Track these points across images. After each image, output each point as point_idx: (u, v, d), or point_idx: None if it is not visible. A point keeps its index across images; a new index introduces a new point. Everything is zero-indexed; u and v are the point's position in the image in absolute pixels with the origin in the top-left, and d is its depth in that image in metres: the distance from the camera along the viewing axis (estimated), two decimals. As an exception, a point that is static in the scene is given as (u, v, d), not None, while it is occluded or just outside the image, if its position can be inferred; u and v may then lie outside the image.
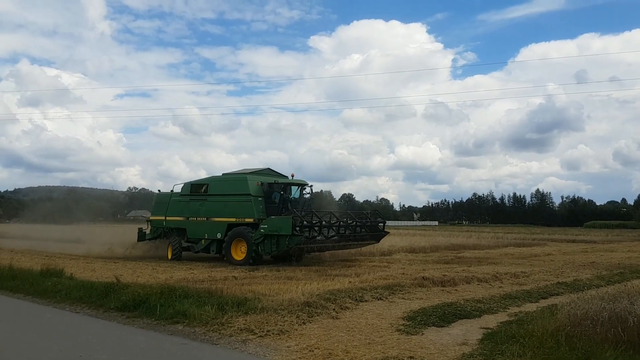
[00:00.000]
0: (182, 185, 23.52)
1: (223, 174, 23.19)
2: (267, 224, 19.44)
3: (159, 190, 25.53)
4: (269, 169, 23.55)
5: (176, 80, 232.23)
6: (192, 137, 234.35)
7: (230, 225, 20.83)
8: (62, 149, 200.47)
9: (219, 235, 21.14)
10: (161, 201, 24.05)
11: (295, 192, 22.03)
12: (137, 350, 7.51)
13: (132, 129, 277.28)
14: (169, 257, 22.26)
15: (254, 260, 19.50)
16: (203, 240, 21.80)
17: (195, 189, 22.84)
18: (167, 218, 23.16)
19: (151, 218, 24.59)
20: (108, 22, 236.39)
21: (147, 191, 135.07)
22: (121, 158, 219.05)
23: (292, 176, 22.52)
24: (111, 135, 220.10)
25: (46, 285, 12.38)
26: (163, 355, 7.32)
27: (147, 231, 24.68)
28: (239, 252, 20.16)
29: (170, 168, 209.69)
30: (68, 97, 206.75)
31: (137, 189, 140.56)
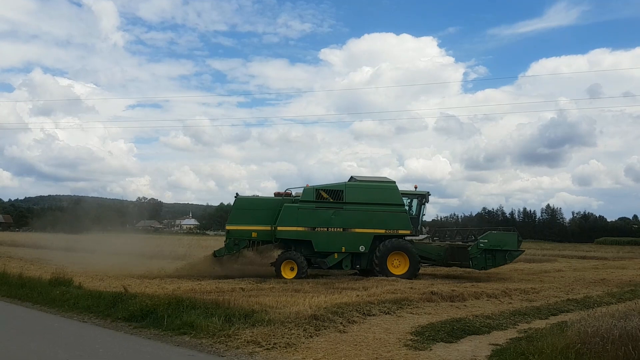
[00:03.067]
0: (302, 190, 20.78)
1: (353, 181, 21.54)
2: (487, 239, 19.84)
3: (237, 194, 21.38)
4: (384, 177, 22.60)
5: (187, 91, 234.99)
6: (203, 148, 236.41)
7: (376, 238, 20.07)
8: (73, 159, 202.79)
9: (362, 249, 19.95)
10: (247, 207, 20.81)
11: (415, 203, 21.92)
12: (144, 361, 7.49)
13: (143, 139, 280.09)
14: (287, 275, 19.24)
15: (414, 273, 19.77)
16: (336, 254, 19.95)
17: (321, 195, 20.47)
18: (279, 228, 19.95)
19: (231, 228, 20.65)
20: (121, 33, 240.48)
21: (156, 201, 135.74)
22: (131, 168, 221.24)
23: (416, 187, 22.35)
24: (122, 145, 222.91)
25: (54, 294, 12.44)
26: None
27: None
28: (391, 266, 19.80)
29: (180, 178, 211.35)
30: (80, 107, 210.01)
31: (146, 199, 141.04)
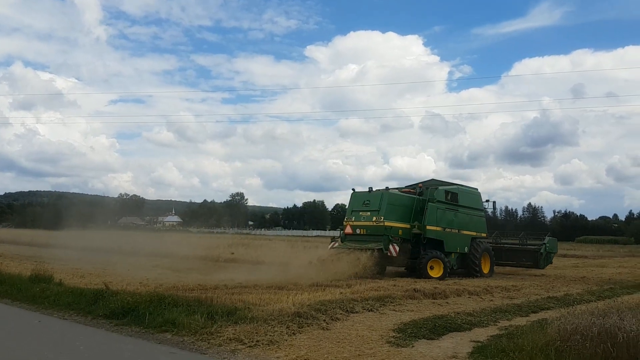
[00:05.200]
0: (436, 190, 20.84)
1: (434, 183, 22.31)
2: (549, 243, 23.38)
3: (371, 189, 20.54)
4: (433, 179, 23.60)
5: (171, 86, 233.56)
6: (186, 144, 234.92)
7: (472, 240, 21.45)
8: (54, 154, 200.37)
9: (466, 249, 21.12)
10: (395, 204, 19.95)
11: None
12: (125, 358, 7.43)
13: (125, 134, 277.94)
14: (434, 274, 18.94)
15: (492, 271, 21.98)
16: (453, 254, 20.67)
17: (448, 196, 21.06)
18: (428, 227, 19.85)
19: (390, 224, 19.36)
20: (104, 27, 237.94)
21: (138, 198, 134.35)
22: (113, 164, 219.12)
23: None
24: (104, 141, 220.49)
25: (35, 291, 12.26)
26: (151, 364, 7.25)
27: (337, 244, 20.39)
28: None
29: (163, 175, 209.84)
30: (61, 102, 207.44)
31: (128, 195, 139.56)
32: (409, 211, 20.12)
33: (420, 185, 21.65)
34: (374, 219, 19.39)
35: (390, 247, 18.62)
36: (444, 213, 20.54)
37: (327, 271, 17.39)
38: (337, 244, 20.30)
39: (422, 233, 19.78)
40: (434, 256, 19.37)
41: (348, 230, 20.18)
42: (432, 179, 23.28)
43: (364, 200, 20.16)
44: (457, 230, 20.87)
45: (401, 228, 19.64)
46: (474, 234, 21.61)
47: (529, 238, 26.40)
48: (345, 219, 20.77)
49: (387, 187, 20.95)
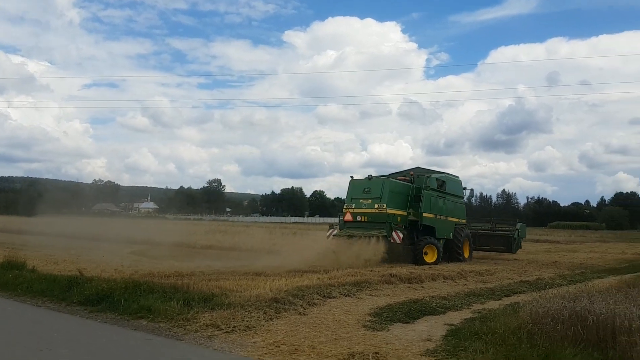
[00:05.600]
0: (429, 178, 21.05)
1: (419, 171, 22.63)
2: (520, 229, 25.03)
3: (370, 176, 20.95)
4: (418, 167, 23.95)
5: (145, 71, 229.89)
6: (162, 130, 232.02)
7: (455, 226, 21.91)
8: (27, 139, 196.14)
9: (451, 235, 21.49)
10: (395, 191, 20.23)
11: None
12: (99, 344, 7.36)
13: (99, 119, 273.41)
14: (428, 260, 19.36)
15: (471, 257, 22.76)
16: (441, 240, 20.88)
17: (439, 184, 21.48)
18: (425, 214, 20.20)
19: (392, 211, 19.68)
20: (77, 10, 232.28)
21: (112, 184, 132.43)
22: (87, 149, 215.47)
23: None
24: (77, 126, 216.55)
25: (7, 278, 12.03)
26: (125, 350, 7.19)
27: (335, 231, 20.52)
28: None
29: (138, 160, 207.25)
30: (34, 86, 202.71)
31: (102, 181, 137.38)
32: (405, 199, 20.49)
33: (412, 173, 21.91)
34: (376, 206, 19.62)
35: (394, 234, 18.87)
36: (436, 200, 21.07)
37: (340, 259, 17.60)
38: (336, 231, 20.38)
39: (419, 220, 20.10)
40: (428, 242, 19.76)
41: (348, 217, 20.29)
42: (418, 167, 23.68)
43: (364, 187, 20.32)
44: (445, 217, 21.39)
45: (400, 215, 19.93)
46: (457, 220, 22.24)
47: (500, 224, 28.07)
48: (345, 206, 20.85)
49: (387, 176, 21.67)
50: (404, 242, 19.06)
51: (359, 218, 19.96)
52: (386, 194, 19.67)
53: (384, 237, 18.70)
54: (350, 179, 21.12)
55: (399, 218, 19.76)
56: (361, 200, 20.05)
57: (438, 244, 20.04)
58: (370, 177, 20.72)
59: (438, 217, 20.89)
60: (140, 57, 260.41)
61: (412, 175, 21.60)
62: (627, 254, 30.87)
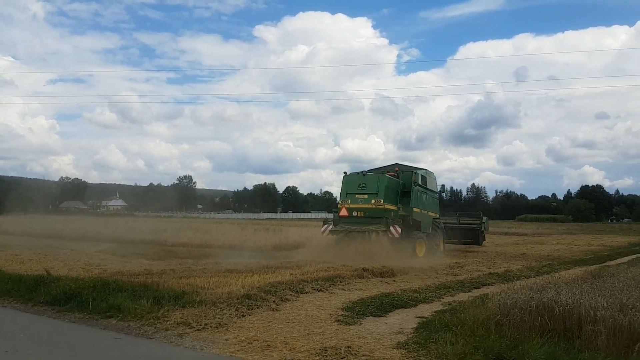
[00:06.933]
0: (415, 174, 21.46)
1: (415, 169, 22.58)
2: (485, 222, 26.52)
3: (365, 172, 21.19)
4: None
5: (113, 66, 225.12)
6: (130, 126, 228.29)
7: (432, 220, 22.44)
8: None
9: (430, 230, 21.80)
10: (389, 186, 20.39)
11: None
12: (68, 344, 7.22)
13: (65, 115, 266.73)
14: (419, 253, 19.69)
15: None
16: (425, 235, 21.13)
17: (422, 180, 21.97)
18: (415, 210, 20.76)
19: (388, 206, 19.90)
20: (41, 3, 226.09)
21: (80, 181, 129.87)
22: (54, 146, 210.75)
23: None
24: (43, 122, 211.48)
25: (-30, 279, 11.69)
26: (94, 349, 7.06)
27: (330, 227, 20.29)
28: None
29: (105, 157, 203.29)
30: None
31: (69, 179, 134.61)
32: (396, 194, 20.79)
33: (397, 169, 22.08)
34: (373, 201, 19.72)
35: (392, 228, 18.91)
36: (421, 196, 21.59)
37: (341, 254, 17.65)
38: (330, 227, 20.27)
39: (410, 215, 20.39)
40: (419, 236, 20.15)
41: (343, 212, 20.18)
42: (396, 163, 23.77)
43: (359, 183, 20.36)
44: (427, 212, 21.90)
45: (392, 210, 20.09)
46: (434, 215, 22.86)
47: (464, 217, 29.71)
48: (340, 202, 20.75)
49: (372, 171, 22.01)
50: (401, 236, 19.24)
51: (355, 213, 19.98)
52: (382, 189, 19.86)
53: (383, 232, 18.83)
54: (344, 174, 21.21)
55: (392, 213, 19.93)
56: (357, 196, 20.09)
57: (425, 238, 20.51)
58: (364, 173, 20.92)
59: (422, 212, 21.42)
60: (108, 51, 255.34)
61: (397, 171, 21.83)
62: (592, 245, 31.66)
